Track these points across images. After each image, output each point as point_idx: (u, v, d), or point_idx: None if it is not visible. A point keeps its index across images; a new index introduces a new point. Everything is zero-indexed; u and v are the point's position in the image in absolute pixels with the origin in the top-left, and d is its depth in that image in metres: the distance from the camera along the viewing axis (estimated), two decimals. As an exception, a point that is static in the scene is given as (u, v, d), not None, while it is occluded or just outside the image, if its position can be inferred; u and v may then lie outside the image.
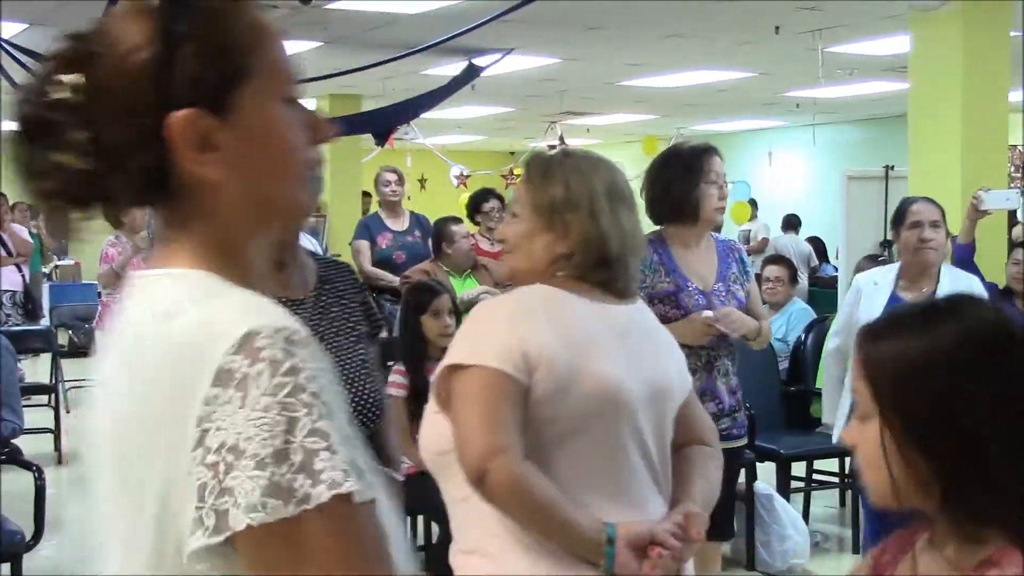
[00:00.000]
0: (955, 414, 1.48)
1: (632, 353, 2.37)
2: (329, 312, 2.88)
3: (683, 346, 4.12)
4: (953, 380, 1.49)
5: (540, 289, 2.37)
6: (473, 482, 2.18)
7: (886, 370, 1.53)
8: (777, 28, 9.53)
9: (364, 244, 8.14)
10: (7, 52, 8.19)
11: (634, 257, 2.46)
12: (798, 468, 6.58)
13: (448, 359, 2.29)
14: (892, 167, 9.27)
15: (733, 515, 4.61)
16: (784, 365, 6.77)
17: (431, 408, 2.37)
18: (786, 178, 17.58)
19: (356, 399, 2.92)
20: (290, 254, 2.89)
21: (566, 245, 2.39)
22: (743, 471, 6.07)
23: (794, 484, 6.48)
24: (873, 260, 6.72)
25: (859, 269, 6.36)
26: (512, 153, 21.90)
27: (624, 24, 9.47)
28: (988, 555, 1.47)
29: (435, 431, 2.33)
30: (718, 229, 12.46)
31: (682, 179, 4.13)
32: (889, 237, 4.98)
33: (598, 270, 2.39)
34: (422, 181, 17.32)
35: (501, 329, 2.27)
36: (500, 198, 8.95)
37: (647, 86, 13.35)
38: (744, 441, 4.47)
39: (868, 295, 4.61)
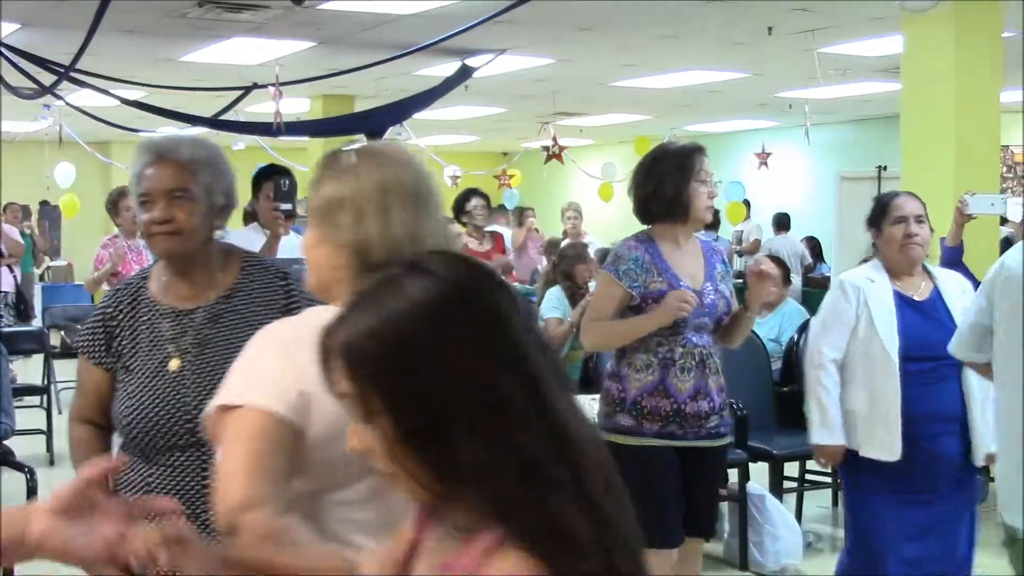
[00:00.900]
0: (418, 393, 1.35)
1: None
2: (227, 318, 2.76)
3: (679, 345, 4.19)
4: (408, 357, 1.35)
5: (323, 313, 1.95)
6: (225, 534, 1.96)
7: (360, 359, 1.38)
8: (770, 29, 9.55)
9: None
10: (4, 57, 8.18)
11: None
12: (791, 468, 6.60)
13: (218, 398, 2.05)
14: (885, 167, 9.29)
15: (716, 514, 4.62)
16: (777, 366, 6.78)
17: None
18: (780, 179, 17.59)
19: None
20: (197, 267, 2.78)
21: (342, 254, 2.11)
22: (736, 472, 6.09)
23: (787, 484, 6.50)
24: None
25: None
26: (505, 154, 21.91)
27: (616, 25, 9.48)
28: (470, 531, 1.39)
29: None
30: (715, 228, 12.47)
31: (672, 178, 4.16)
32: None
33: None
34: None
35: (274, 363, 2.01)
36: (485, 196, 8.96)
37: (640, 87, 13.36)
38: (730, 439, 4.49)
39: (874, 295, 4.39)
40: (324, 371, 1.45)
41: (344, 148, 2.20)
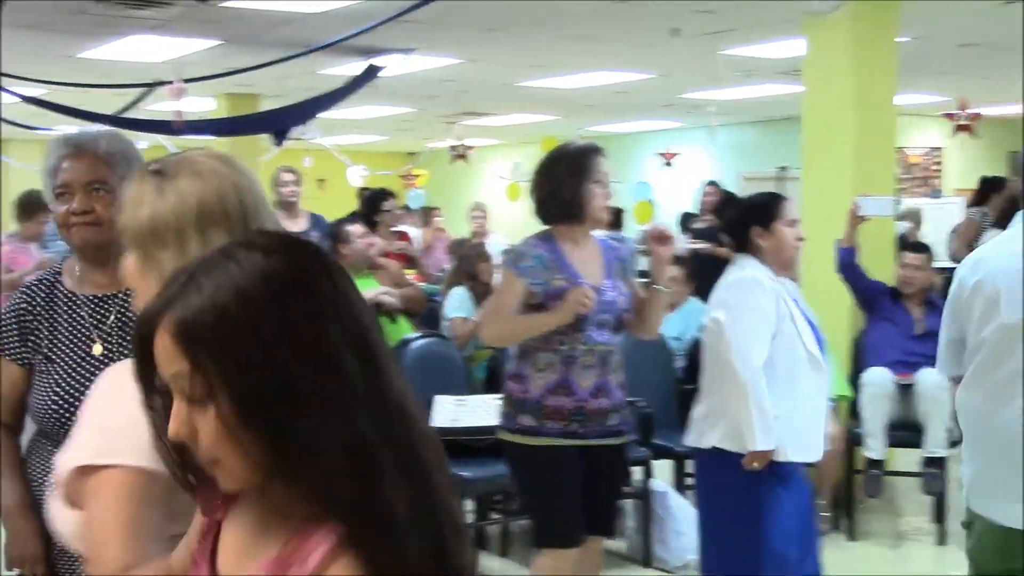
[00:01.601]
0: (260, 365, 1.32)
1: None
2: None
3: (580, 343, 4.22)
4: (250, 328, 1.32)
5: None
6: None
7: (197, 334, 1.33)
8: (674, 30, 9.64)
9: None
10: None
11: None
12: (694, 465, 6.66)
13: (75, 459, 1.92)
14: (785, 168, 9.43)
15: (616, 512, 4.62)
16: (680, 364, 6.85)
17: (57, 498, 2.02)
18: (685, 179, 17.75)
19: None
20: (112, 256, 2.65)
21: None
22: (640, 469, 6.15)
23: (690, 481, 6.56)
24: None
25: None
26: (411, 154, 21.87)
27: (523, 25, 9.51)
28: (303, 522, 1.38)
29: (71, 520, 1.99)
30: (617, 228, 12.54)
31: (569, 179, 4.20)
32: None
33: None
34: (321, 181, 17.21)
35: (134, 413, 1.82)
36: (395, 197, 8.99)
37: (547, 87, 13.41)
38: (631, 438, 4.53)
39: (786, 295, 4.36)
40: (139, 358, 1.42)
41: (165, 158, 2.03)
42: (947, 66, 11.83)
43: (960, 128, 14.49)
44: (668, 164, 14.29)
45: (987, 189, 9.60)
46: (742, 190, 10.44)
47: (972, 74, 12.54)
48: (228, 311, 1.33)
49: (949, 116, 14.66)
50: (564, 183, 4.21)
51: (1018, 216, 3.66)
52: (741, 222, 4.49)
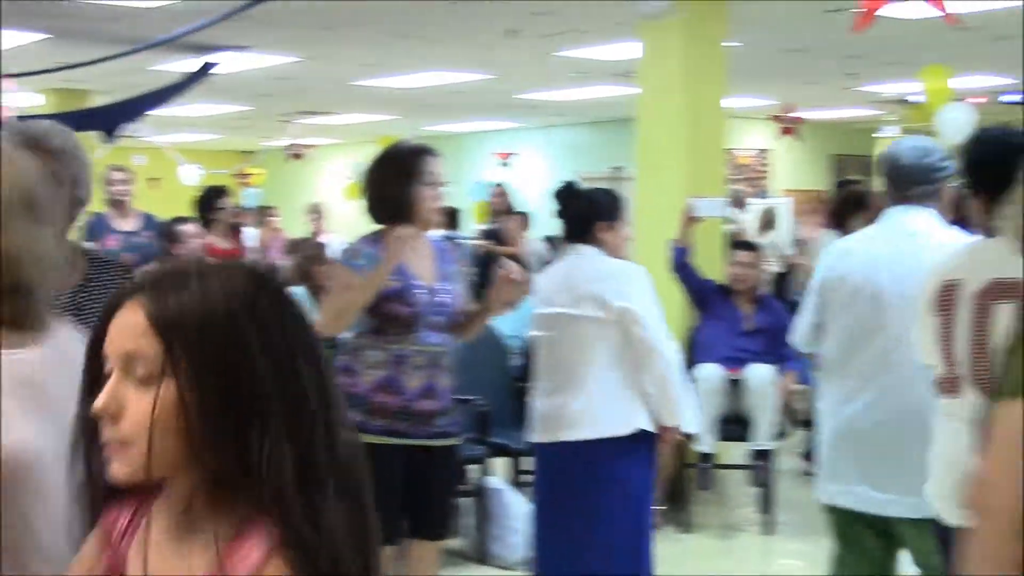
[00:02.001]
0: (233, 369, 1.38)
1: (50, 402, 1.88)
2: (74, 314, 2.76)
3: (412, 343, 4.20)
4: (232, 332, 1.39)
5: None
6: None
7: (181, 322, 1.39)
8: (510, 31, 9.72)
9: (87, 247, 7.88)
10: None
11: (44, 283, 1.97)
12: (529, 463, 6.72)
13: None
14: (620, 168, 9.57)
15: (449, 515, 4.57)
16: (517, 362, 6.90)
17: None
18: (522, 179, 17.91)
19: None
20: None
21: None
22: (476, 467, 6.19)
23: (526, 478, 6.62)
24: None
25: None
26: (247, 153, 21.57)
27: (359, 24, 9.48)
28: (239, 524, 1.41)
29: None
30: (452, 227, 12.58)
31: (396, 181, 4.17)
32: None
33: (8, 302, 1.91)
34: (154, 180, 16.85)
35: None
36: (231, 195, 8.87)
37: (384, 86, 13.38)
38: (461, 439, 4.51)
39: None
40: (107, 314, 1.45)
41: None
42: (774, 71, 12.18)
43: (786, 131, 14.95)
44: (505, 164, 14.39)
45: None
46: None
47: (797, 79, 12.94)
48: (216, 311, 1.40)
49: (776, 119, 15.11)
50: (392, 184, 4.17)
51: (890, 212, 3.89)
52: (586, 215, 4.62)
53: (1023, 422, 1.81)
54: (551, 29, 9.60)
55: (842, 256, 3.99)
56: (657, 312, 4.52)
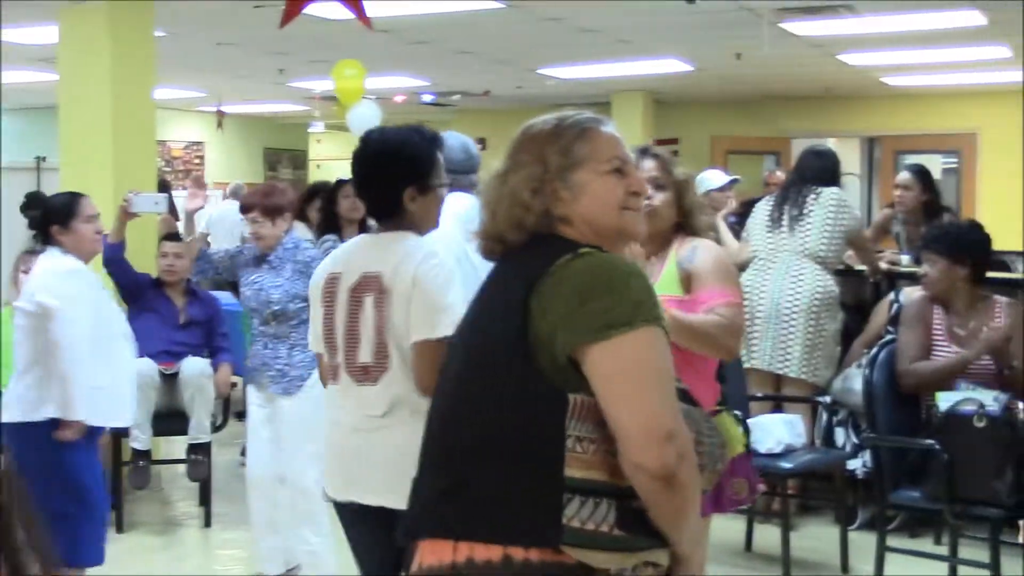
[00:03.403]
0: None
1: None
2: None
3: None
4: None
5: None
6: None
7: None
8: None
9: None
10: None
11: None
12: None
13: None
14: (45, 159, 9.18)
15: None
16: None
17: None
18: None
19: None
20: None
21: None
22: None
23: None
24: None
25: (22, 264, 6.20)
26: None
27: None
28: None
29: None
30: None
31: None
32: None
33: None
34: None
35: None
36: None
37: None
38: None
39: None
40: None
41: None
42: (205, 63, 12.15)
43: (220, 124, 15.02)
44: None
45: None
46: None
47: (229, 72, 12.99)
48: None
49: (206, 111, 15.12)
50: None
51: None
52: (43, 220, 4.96)
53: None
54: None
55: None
56: (76, 308, 4.77)
